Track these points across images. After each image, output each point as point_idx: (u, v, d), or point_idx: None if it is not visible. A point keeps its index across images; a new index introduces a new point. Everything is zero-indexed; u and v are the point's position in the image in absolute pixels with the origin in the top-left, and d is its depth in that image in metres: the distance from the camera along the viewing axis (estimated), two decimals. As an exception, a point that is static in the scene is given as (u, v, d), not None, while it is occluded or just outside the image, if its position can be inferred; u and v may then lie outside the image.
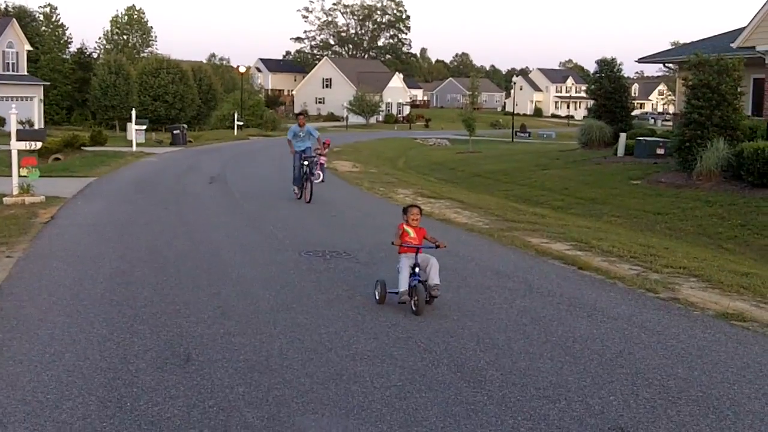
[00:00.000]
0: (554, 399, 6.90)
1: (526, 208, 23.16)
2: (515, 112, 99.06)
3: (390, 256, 13.31)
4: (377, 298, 10.07)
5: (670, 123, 52.42)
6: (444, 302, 10.18)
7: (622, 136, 38.31)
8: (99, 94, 67.32)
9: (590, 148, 43.14)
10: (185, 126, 57.05)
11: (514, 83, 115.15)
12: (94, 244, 14.24)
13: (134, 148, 43.86)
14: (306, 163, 20.69)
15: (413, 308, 9.62)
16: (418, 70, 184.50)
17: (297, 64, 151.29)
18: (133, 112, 49.61)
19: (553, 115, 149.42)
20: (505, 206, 22.74)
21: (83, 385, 6.91)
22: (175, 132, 52.37)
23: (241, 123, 70.55)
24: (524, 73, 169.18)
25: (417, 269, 9.75)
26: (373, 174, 32.32)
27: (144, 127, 51.97)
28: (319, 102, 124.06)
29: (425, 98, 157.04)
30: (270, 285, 10.92)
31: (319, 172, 23.64)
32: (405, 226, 9.94)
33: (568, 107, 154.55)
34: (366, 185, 26.65)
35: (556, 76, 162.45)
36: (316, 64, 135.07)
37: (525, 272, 12.43)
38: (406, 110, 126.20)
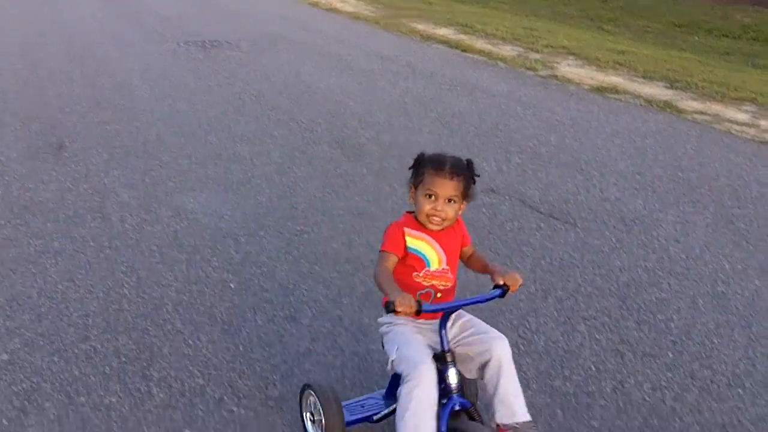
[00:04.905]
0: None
1: (414, -3, 22.78)
2: None
3: (277, 45, 13.10)
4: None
5: None
6: (327, 86, 10.13)
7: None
8: None
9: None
10: None
11: None
12: (-42, 42, 13.45)
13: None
14: None
15: None
16: None
17: None
18: None
19: None
20: (393, -4, 22.31)
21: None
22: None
23: None
24: None
25: (453, 375, 3.05)
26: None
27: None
28: None
29: None
30: (147, 75, 10.59)
31: None
32: (407, 231, 3.18)
33: None
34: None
35: None
36: None
37: (409, 56, 12.38)
38: None
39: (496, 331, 3.14)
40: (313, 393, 3.35)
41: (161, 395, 3.77)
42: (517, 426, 3.02)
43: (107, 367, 3.99)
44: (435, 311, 3.02)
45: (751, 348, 4.34)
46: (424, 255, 3.14)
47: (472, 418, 3.03)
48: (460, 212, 3.19)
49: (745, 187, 6.91)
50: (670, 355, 4.23)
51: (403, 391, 2.93)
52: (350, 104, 9.22)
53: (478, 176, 3.19)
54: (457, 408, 2.98)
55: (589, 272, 5.15)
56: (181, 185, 6.52)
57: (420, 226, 3.16)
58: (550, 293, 4.84)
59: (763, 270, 5.31)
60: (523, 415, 3.05)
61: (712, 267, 5.33)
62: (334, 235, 5.58)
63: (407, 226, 3.16)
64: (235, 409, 3.67)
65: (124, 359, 4.06)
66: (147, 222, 5.75)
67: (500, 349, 3.06)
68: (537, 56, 12.54)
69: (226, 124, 8.33)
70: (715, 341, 4.40)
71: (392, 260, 3.10)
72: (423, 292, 3.13)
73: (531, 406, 3.69)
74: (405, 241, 3.12)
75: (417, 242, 3.15)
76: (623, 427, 3.60)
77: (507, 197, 6.40)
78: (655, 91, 10.43)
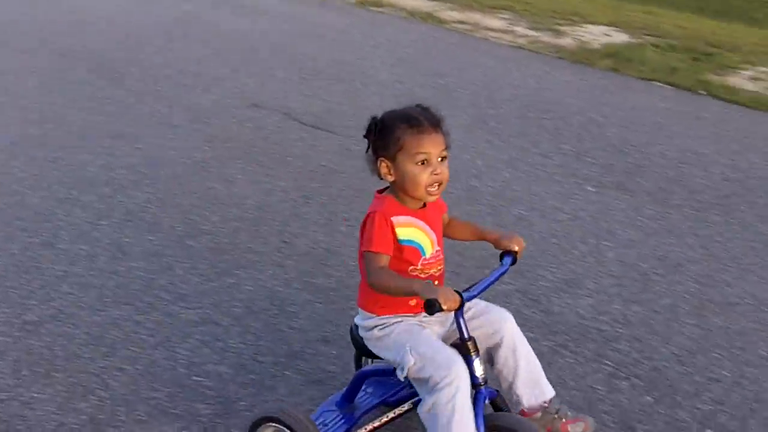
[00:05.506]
0: (193, 87, 6.96)
1: None
2: None
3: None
4: None
5: None
6: (85, 8, 9.65)
7: None
8: None
9: None
10: None
11: None
12: None
13: None
14: None
15: None
16: None
17: None
18: None
19: None
20: None
21: None
22: None
23: None
24: None
25: (479, 366, 2.55)
26: None
27: None
28: None
29: None
30: None
31: None
32: (395, 222, 2.60)
33: None
34: None
35: None
36: None
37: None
38: None
39: (495, 306, 2.75)
40: (282, 426, 2.66)
41: None
42: (546, 405, 2.72)
43: None
44: (474, 297, 2.55)
45: (500, 233, 4.63)
46: (419, 244, 2.63)
47: (499, 408, 2.63)
48: None
49: (499, 90, 7.28)
50: (425, 246, 4.45)
51: (440, 399, 2.44)
52: (108, 27, 8.88)
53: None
54: (487, 401, 2.57)
55: (351, 177, 5.29)
56: None
57: (403, 206, 2.62)
58: (313, 198, 4.95)
59: (512, 164, 5.66)
60: (550, 391, 2.75)
61: (466, 164, 5.60)
62: (91, 158, 5.41)
63: (393, 214, 2.58)
64: (-11, 337, 3.54)
65: None
66: None
67: (510, 328, 2.70)
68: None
69: (-28, 53, 7.82)
70: (467, 230, 4.66)
71: (386, 261, 2.54)
72: (422, 271, 2.66)
73: (292, 304, 3.83)
74: (395, 234, 2.57)
75: (409, 231, 2.60)
76: (380, 314, 3.78)
77: (271, 111, 6.42)
78: (418, 3, 10.69)
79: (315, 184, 5.15)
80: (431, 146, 2.53)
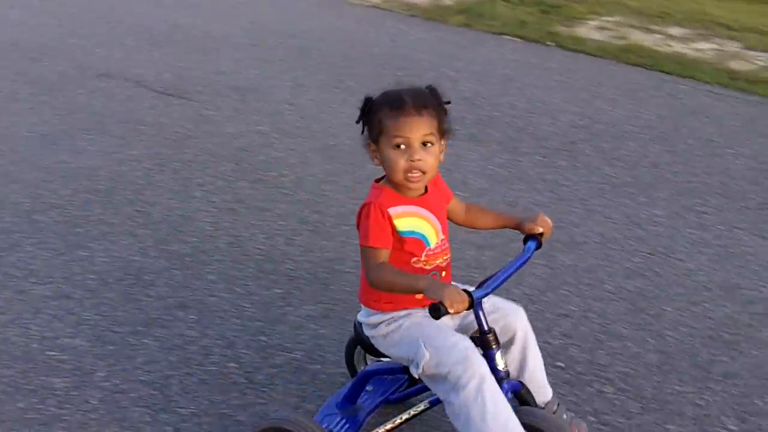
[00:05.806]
0: (38, 59, 6.71)
1: None
2: None
3: None
4: None
5: None
6: None
7: None
8: None
9: None
10: None
11: None
12: None
13: None
14: None
15: None
16: None
17: None
18: None
19: None
20: None
21: None
22: None
23: None
24: None
25: (500, 359, 2.40)
26: None
27: None
28: None
29: None
30: None
31: None
32: (393, 213, 2.41)
33: None
34: None
35: None
36: None
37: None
38: None
39: (510, 302, 2.58)
40: None
41: None
42: (543, 407, 2.56)
43: None
44: (487, 295, 2.34)
45: (357, 189, 4.68)
46: (422, 235, 2.43)
47: (524, 401, 2.46)
48: (441, 155, 2.44)
49: (354, 49, 7.31)
50: (283, 206, 4.46)
51: (468, 395, 2.28)
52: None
53: (449, 103, 2.45)
54: (510, 395, 2.39)
55: (205, 142, 5.24)
56: None
57: (401, 195, 2.42)
58: (166, 165, 4.88)
59: (368, 120, 5.70)
60: (550, 391, 2.62)
61: (323, 124, 5.62)
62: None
63: (390, 205, 2.38)
64: None
65: None
66: None
67: (523, 324, 2.53)
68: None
69: None
70: (324, 188, 4.70)
71: (385, 255, 2.36)
72: (425, 262, 2.47)
73: (148, 272, 3.78)
74: (394, 227, 2.38)
75: (409, 221, 2.40)
76: (238, 276, 3.78)
77: (121, 80, 6.27)
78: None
79: (168, 151, 5.07)
80: (409, 130, 2.32)
